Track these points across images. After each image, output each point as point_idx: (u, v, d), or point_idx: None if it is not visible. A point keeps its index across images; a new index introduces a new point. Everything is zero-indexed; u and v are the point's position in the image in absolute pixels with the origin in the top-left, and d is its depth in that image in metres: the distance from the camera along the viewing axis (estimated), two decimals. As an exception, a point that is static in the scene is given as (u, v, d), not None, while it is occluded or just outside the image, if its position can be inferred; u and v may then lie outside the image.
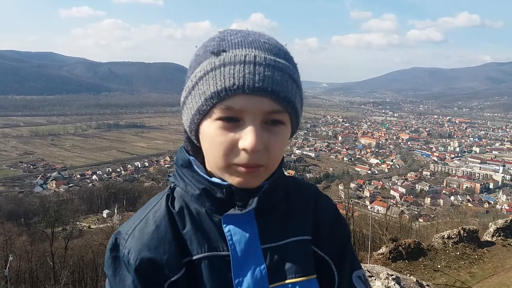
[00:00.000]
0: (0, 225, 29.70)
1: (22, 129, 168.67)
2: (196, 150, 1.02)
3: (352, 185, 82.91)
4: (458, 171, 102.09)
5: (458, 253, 9.31)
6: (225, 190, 0.94)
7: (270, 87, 0.85)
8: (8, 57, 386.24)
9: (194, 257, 0.94)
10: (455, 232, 9.89)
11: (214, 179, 0.95)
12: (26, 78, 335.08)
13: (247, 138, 0.85)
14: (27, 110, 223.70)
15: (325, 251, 1.06)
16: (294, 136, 1.02)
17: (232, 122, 0.87)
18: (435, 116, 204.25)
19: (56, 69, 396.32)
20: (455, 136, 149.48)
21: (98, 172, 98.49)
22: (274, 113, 0.88)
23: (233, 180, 0.91)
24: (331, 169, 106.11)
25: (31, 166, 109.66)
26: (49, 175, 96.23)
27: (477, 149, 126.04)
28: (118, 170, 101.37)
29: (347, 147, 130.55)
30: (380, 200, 72.94)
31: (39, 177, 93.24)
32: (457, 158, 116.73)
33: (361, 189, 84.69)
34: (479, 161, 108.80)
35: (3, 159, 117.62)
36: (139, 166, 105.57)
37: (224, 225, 0.95)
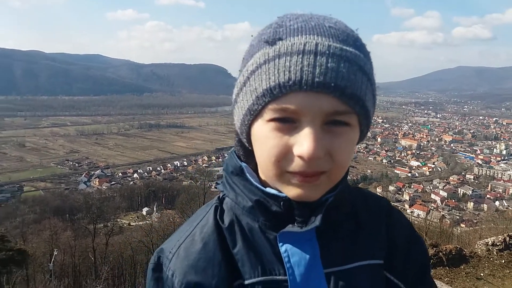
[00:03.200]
0: (47, 220, 30.85)
1: (69, 128, 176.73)
2: (248, 155, 0.88)
3: (391, 188, 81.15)
4: (504, 175, 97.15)
5: (503, 261, 8.81)
6: (282, 203, 0.79)
7: (333, 82, 0.69)
8: (58, 59, 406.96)
9: (247, 282, 0.81)
10: (500, 239, 9.37)
11: (269, 190, 0.81)
12: (75, 80, 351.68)
13: (303, 143, 0.70)
14: (74, 110, 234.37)
15: (400, 277, 0.91)
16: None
17: (288, 123, 0.72)
18: (481, 117, 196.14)
19: (102, 71, 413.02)
20: (501, 138, 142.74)
21: (139, 171, 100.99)
22: (338, 114, 0.72)
23: (288, 191, 0.77)
24: (369, 171, 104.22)
25: (77, 164, 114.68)
26: (92, 173, 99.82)
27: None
28: (158, 169, 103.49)
29: (386, 149, 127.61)
30: (420, 204, 70.67)
31: (83, 175, 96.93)
32: (503, 161, 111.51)
33: (400, 192, 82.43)
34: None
35: (51, 157, 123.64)
36: (178, 165, 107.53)
37: (281, 243, 0.81)
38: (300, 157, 0.71)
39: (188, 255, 0.83)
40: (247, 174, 0.85)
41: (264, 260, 0.82)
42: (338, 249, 0.85)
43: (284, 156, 0.73)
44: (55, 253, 21.90)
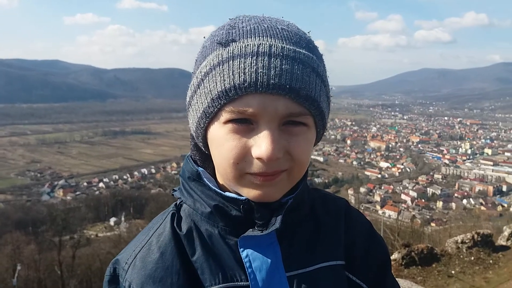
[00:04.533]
0: (8, 234, 29.69)
1: (29, 137, 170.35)
2: (205, 159, 0.88)
3: (362, 189, 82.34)
4: (470, 173, 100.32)
5: (472, 258, 9.01)
6: (242, 207, 0.78)
7: (288, 83, 0.70)
8: (15, 65, 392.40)
9: None
10: (468, 236, 9.59)
11: (228, 194, 0.80)
12: (33, 86, 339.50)
13: (262, 145, 0.71)
14: (34, 118, 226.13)
15: (361, 277, 0.91)
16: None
17: (245, 124, 0.73)
18: (446, 118, 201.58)
19: (62, 77, 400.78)
20: (466, 138, 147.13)
21: (104, 180, 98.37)
22: (294, 115, 0.74)
23: (248, 192, 0.77)
24: (340, 173, 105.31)
25: (38, 174, 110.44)
26: (56, 183, 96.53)
27: (489, 151, 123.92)
28: (124, 177, 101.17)
29: (356, 151, 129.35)
30: (391, 205, 71.93)
31: (46, 185, 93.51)
32: (469, 161, 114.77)
33: (371, 194, 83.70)
34: (492, 163, 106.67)
35: (10, 168, 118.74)
36: (146, 173, 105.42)
37: (241, 249, 0.80)
38: (258, 159, 0.72)
39: (145, 265, 0.81)
40: (205, 179, 0.84)
41: (225, 266, 0.81)
42: (299, 251, 0.85)
43: (243, 157, 0.73)
44: (19, 268, 21.10)
